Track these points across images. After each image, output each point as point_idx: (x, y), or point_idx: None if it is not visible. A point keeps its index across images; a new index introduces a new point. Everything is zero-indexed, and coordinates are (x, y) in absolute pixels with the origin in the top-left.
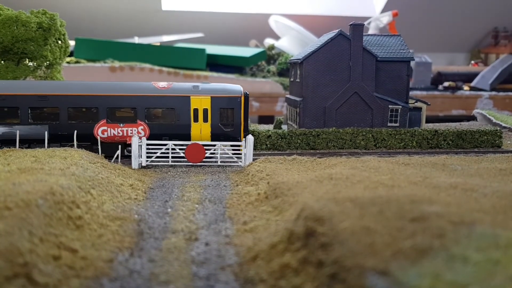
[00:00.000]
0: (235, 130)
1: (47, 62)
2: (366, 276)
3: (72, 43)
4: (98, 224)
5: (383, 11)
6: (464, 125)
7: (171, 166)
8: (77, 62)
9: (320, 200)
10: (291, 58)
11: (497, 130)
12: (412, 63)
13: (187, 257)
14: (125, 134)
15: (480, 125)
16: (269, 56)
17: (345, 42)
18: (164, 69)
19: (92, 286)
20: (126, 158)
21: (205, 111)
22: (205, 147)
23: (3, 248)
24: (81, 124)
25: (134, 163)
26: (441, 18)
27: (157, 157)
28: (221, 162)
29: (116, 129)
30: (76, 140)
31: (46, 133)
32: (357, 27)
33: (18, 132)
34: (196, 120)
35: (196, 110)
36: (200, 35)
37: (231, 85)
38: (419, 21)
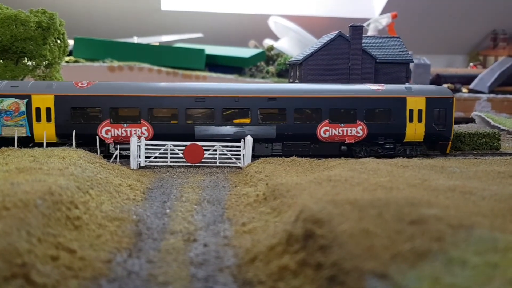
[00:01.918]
0: (446, 130)
1: (46, 62)
2: (365, 279)
3: (71, 42)
4: (96, 224)
5: (382, 12)
6: (463, 127)
7: (170, 166)
8: (76, 61)
9: (319, 202)
10: (290, 59)
11: (495, 132)
12: (411, 65)
13: (185, 258)
14: (344, 134)
15: (478, 128)
16: (268, 56)
17: (344, 43)
18: (163, 69)
19: (90, 287)
20: (125, 158)
21: (420, 111)
22: (203, 148)
23: (1, 249)
24: (305, 124)
25: (133, 163)
26: (440, 20)
27: (156, 157)
28: (219, 162)
29: (337, 129)
30: (298, 140)
31: (274, 132)
32: (357, 28)
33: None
34: (411, 120)
35: (411, 111)
36: (199, 35)
37: (439, 86)
38: (418, 23)
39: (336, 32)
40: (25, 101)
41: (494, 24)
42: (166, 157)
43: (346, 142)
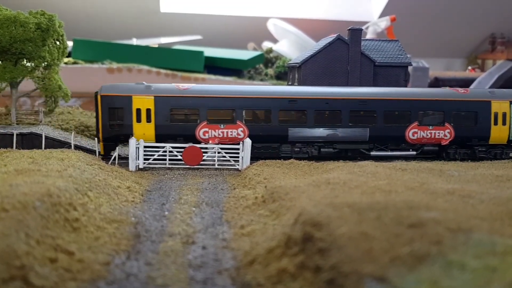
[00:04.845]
0: None
1: (45, 63)
2: (363, 282)
3: (70, 43)
4: (95, 226)
5: (381, 16)
6: None
7: (168, 168)
8: (74, 63)
9: (318, 205)
10: (289, 62)
11: None
12: (410, 68)
13: (184, 261)
14: None
15: None
16: (267, 59)
17: (343, 46)
18: (162, 71)
19: None
20: (124, 159)
21: None
22: (202, 150)
23: (0, 250)
24: None
25: (132, 165)
26: (438, 23)
27: (155, 159)
28: (218, 165)
29: None
30: None
31: None
32: (356, 31)
33: None
34: None
35: None
36: (198, 37)
37: None
38: (417, 26)
39: (335, 35)
40: None
41: (493, 27)
42: (165, 159)
43: None
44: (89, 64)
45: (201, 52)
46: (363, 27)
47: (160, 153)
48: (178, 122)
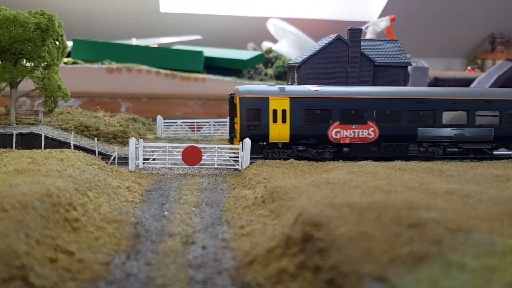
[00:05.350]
0: None
1: (45, 63)
2: (363, 282)
3: (69, 44)
4: (94, 226)
5: (381, 16)
6: None
7: (168, 168)
8: (74, 63)
9: (318, 205)
10: (289, 62)
11: None
12: (409, 68)
13: (184, 261)
14: None
15: None
16: (266, 59)
17: (343, 46)
18: (162, 71)
19: None
20: (124, 159)
21: None
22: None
23: (0, 250)
24: None
25: (131, 165)
26: (438, 23)
27: (154, 159)
28: (218, 165)
29: None
30: None
31: None
32: (355, 31)
33: None
34: None
35: None
36: (198, 37)
37: None
38: (416, 26)
39: (335, 35)
40: None
41: (492, 27)
42: (165, 159)
43: None
44: (89, 64)
45: (201, 52)
46: (363, 27)
47: (160, 153)
48: (311, 123)
